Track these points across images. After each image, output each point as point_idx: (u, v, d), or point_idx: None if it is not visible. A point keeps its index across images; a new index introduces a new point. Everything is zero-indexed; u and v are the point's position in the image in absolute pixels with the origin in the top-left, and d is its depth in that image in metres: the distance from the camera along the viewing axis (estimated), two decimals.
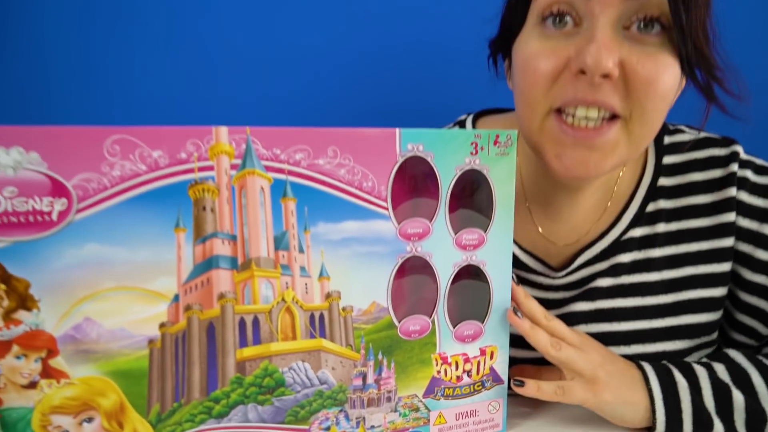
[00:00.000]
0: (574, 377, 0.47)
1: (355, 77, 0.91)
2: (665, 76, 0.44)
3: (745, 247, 0.54)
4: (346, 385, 0.42)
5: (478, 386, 0.47)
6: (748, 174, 0.54)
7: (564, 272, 0.57)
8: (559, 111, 0.46)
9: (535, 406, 0.53)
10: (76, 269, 0.34)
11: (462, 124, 0.64)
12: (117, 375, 0.36)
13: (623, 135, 0.46)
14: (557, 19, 0.45)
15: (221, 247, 0.38)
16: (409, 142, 0.40)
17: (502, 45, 0.52)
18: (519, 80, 0.48)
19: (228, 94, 0.92)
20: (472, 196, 0.43)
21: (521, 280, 0.58)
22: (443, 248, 0.43)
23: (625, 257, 0.56)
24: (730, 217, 0.54)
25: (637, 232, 0.56)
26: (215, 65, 0.91)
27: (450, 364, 0.45)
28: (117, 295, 0.36)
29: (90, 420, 0.37)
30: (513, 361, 0.51)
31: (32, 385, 0.35)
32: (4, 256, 0.33)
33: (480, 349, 0.46)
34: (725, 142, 0.56)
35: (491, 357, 0.47)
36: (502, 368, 0.48)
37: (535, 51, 0.46)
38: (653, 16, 0.44)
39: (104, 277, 0.35)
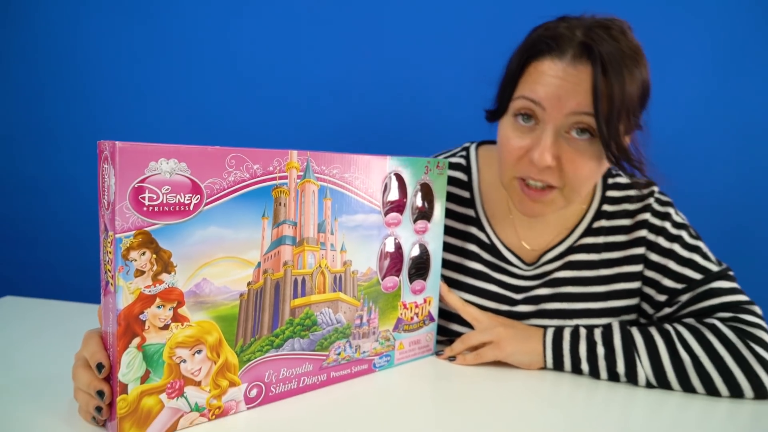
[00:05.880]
0: (484, 346, 0.71)
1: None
2: (589, 167, 0.66)
3: (645, 252, 0.78)
4: (351, 324, 0.64)
5: (421, 323, 0.72)
6: (655, 205, 0.78)
7: (533, 266, 0.80)
8: (521, 177, 0.70)
9: (446, 343, 0.80)
10: (201, 244, 0.50)
11: (467, 149, 0.86)
12: (219, 319, 0.52)
13: (559, 196, 0.69)
14: (525, 117, 0.67)
15: (287, 230, 0.56)
16: (393, 164, 0.64)
17: (492, 118, 0.74)
18: (498, 148, 0.71)
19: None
20: (423, 199, 0.69)
21: (502, 269, 0.81)
22: (407, 232, 0.67)
23: (578, 257, 0.79)
24: (642, 233, 0.77)
25: (587, 240, 0.79)
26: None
27: (408, 309, 0.70)
28: (224, 262, 0.52)
29: (200, 351, 0.52)
30: (455, 334, 0.77)
31: (166, 327, 0.49)
32: (158, 234, 0.48)
33: (424, 298, 0.72)
34: (648, 184, 0.80)
35: (429, 304, 0.73)
36: (434, 311, 0.74)
37: (509, 135, 0.69)
38: (584, 127, 0.64)
39: (218, 250, 0.51)
